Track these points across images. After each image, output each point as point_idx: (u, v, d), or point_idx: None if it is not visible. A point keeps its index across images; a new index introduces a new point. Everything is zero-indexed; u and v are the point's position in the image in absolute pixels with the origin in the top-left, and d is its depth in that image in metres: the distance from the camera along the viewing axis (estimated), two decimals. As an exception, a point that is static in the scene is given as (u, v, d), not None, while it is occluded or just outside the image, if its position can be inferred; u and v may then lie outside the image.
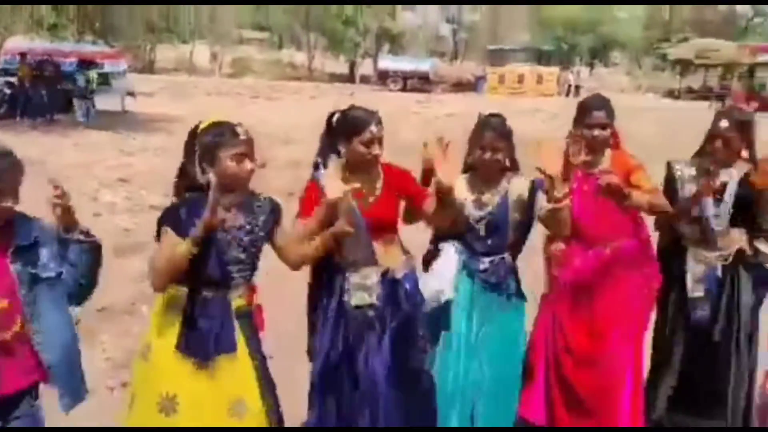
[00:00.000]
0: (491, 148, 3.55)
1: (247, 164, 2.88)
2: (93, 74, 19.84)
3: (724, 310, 3.75)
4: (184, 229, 2.79)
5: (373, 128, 3.18)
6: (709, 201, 3.72)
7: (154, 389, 2.86)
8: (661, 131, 17.01)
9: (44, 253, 2.71)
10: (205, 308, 2.87)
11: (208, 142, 2.85)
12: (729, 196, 3.70)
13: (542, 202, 3.55)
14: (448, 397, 3.63)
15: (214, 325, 2.87)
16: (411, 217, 3.53)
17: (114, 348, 5.03)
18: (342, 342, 3.29)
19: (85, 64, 20.10)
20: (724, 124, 3.68)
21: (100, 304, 5.47)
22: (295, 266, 3.16)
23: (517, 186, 3.64)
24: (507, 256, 3.67)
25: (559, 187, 3.36)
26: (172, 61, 43.64)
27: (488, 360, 3.66)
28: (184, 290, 2.88)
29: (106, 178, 11.25)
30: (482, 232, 3.63)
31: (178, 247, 2.75)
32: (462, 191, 3.65)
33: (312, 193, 3.26)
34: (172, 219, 2.84)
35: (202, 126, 2.90)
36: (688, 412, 3.86)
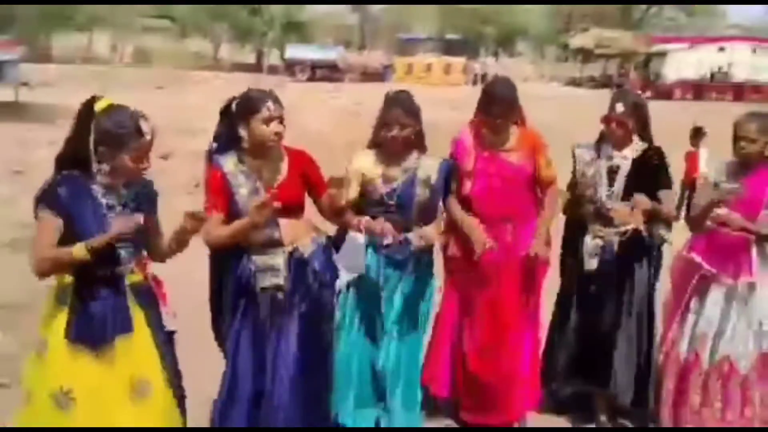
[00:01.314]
0: (398, 124, 3.58)
1: (146, 163, 2.82)
2: (-18, 63, 18.87)
3: (616, 285, 3.91)
4: (64, 209, 2.71)
5: (270, 105, 3.14)
6: (602, 181, 3.87)
7: (48, 385, 2.76)
8: (564, 118, 17.50)
9: None
10: (95, 290, 2.77)
11: (110, 134, 2.73)
12: (622, 176, 3.85)
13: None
14: (352, 372, 3.70)
15: (107, 306, 2.77)
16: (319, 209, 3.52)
17: (9, 344, 4.84)
18: (251, 326, 3.25)
19: (-25, 52, 19.09)
20: (619, 108, 3.83)
21: (-4, 300, 5.23)
22: (162, 259, 3.10)
23: (426, 166, 3.69)
24: (415, 237, 3.69)
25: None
26: (69, 50, 41.84)
27: (395, 338, 3.72)
28: (71, 279, 2.77)
29: (1, 171, 10.74)
30: (389, 208, 3.66)
31: (74, 251, 2.67)
32: (371, 167, 3.67)
33: (216, 182, 3.21)
34: (50, 199, 2.72)
35: (101, 105, 2.76)
36: (583, 381, 4.01)
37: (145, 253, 3.01)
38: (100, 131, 2.74)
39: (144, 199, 2.95)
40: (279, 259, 3.25)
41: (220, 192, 3.19)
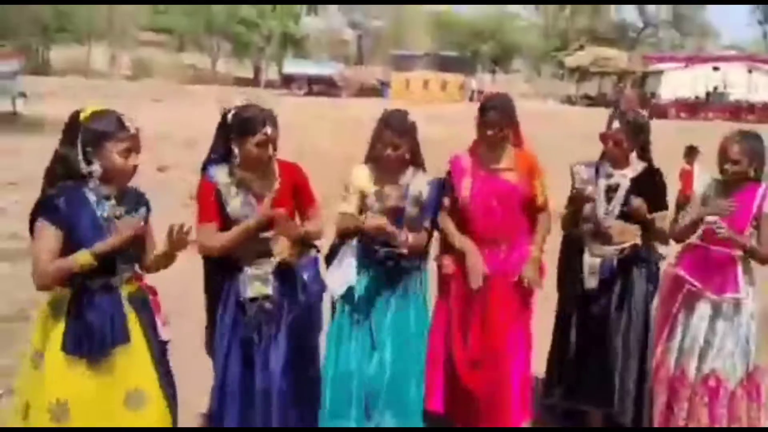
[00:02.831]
0: (391, 144, 3.61)
1: (134, 158, 2.83)
2: (-20, 73, 18.90)
3: (616, 302, 3.89)
4: (63, 221, 2.71)
5: (268, 130, 3.15)
6: (600, 200, 3.87)
7: (45, 397, 2.75)
8: (559, 135, 17.57)
9: None
10: (91, 301, 2.77)
11: (94, 133, 2.76)
12: (620, 196, 3.85)
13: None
14: (345, 387, 3.68)
15: (104, 317, 2.78)
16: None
17: (2, 355, 4.79)
18: (241, 337, 3.27)
19: (-28, 63, 19.11)
20: (615, 125, 3.82)
21: (-12, 311, 5.22)
22: (150, 272, 3.09)
23: (417, 182, 3.73)
24: (405, 251, 3.70)
25: None
26: (67, 62, 42.03)
27: (385, 352, 3.72)
28: (67, 291, 2.77)
29: (-5, 182, 10.75)
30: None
31: (78, 258, 2.68)
32: (366, 182, 3.71)
33: (208, 193, 3.24)
34: (48, 211, 2.72)
35: (85, 113, 2.80)
36: (582, 398, 3.99)
37: (137, 267, 3.00)
38: (86, 134, 2.77)
39: (138, 205, 2.96)
40: (269, 270, 3.28)
41: (212, 202, 3.21)
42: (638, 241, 3.88)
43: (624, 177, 3.87)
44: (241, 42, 45.44)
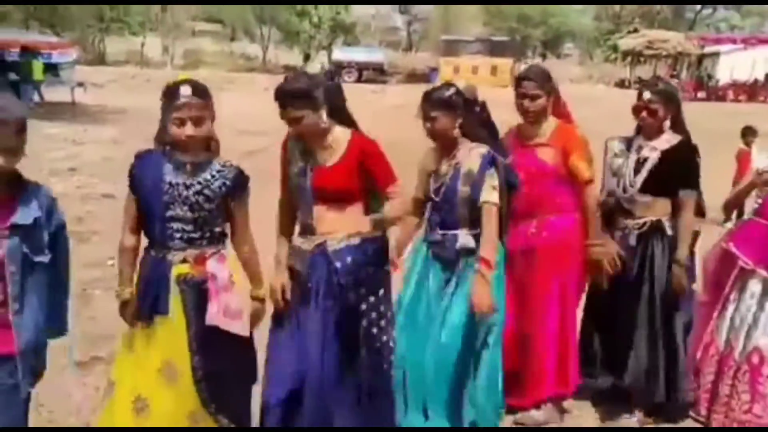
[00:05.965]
0: (427, 118, 3.54)
1: (187, 128, 2.80)
2: (39, 63, 19.38)
3: (635, 277, 3.88)
4: (136, 186, 2.90)
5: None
6: (628, 173, 3.88)
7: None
8: (610, 119, 17.27)
9: (41, 237, 2.69)
10: (147, 269, 2.96)
11: (162, 103, 2.86)
12: (647, 169, 3.83)
13: (489, 183, 3.48)
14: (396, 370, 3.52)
15: (150, 287, 2.93)
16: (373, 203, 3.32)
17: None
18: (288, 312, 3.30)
19: (31, 53, 19.57)
20: (646, 95, 3.81)
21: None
22: (243, 253, 3.11)
23: (470, 159, 3.51)
24: (462, 234, 3.53)
25: None
26: (123, 53, 42.78)
27: (437, 335, 3.54)
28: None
29: (55, 168, 11.04)
30: (436, 204, 3.63)
31: (124, 288, 3.00)
32: (429, 163, 3.68)
33: (281, 152, 3.36)
34: (130, 178, 2.94)
35: (172, 82, 2.88)
36: (611, 374, 4.02)
37: (209, 250, 2.96)
38: (162, 103, 2.88)
39: (218, 179, 2.93)
40: (306, 246, 3.24)
41: (282, 164, 3.34)
42: (662, 216, 3.85)
43: (654, 150, 3.83)
44: (292, 30, 45.57)
